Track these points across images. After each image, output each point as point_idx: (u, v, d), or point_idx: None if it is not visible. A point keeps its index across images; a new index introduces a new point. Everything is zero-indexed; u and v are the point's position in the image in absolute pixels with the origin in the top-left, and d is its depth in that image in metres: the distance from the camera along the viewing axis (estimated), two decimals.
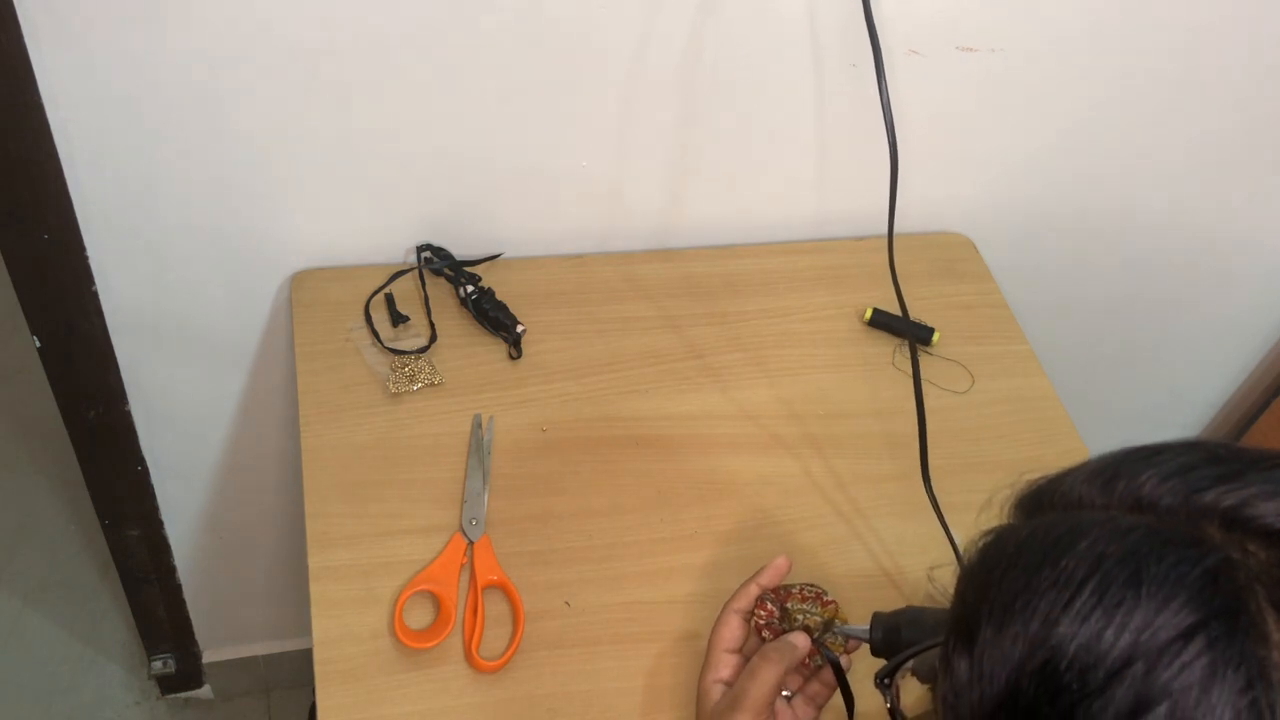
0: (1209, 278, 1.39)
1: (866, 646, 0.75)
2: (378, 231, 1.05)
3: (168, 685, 1.55)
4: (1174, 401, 1.60)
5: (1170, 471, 0.46)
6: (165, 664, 1.49)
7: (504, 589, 0.86)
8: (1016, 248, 1.24)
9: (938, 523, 0.93)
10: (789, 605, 0.79)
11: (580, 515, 0.92)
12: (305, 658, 0.86)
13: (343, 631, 0.83)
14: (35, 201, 0.92)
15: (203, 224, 1.00)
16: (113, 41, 0.85)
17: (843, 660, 0.77)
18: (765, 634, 0.79)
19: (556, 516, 0.91)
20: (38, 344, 1.02)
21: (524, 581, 0.87)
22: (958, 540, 0.93)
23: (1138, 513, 0.46)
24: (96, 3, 0.83)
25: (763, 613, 0.79)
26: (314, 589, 0.84)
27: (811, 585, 0.81)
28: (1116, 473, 0.47)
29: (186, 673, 1.52)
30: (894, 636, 0.73)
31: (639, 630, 0.86)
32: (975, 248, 1.20)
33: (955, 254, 1.19)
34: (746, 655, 0.78)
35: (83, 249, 0.97)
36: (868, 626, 0.75)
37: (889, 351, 1.08)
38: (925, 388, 1.05)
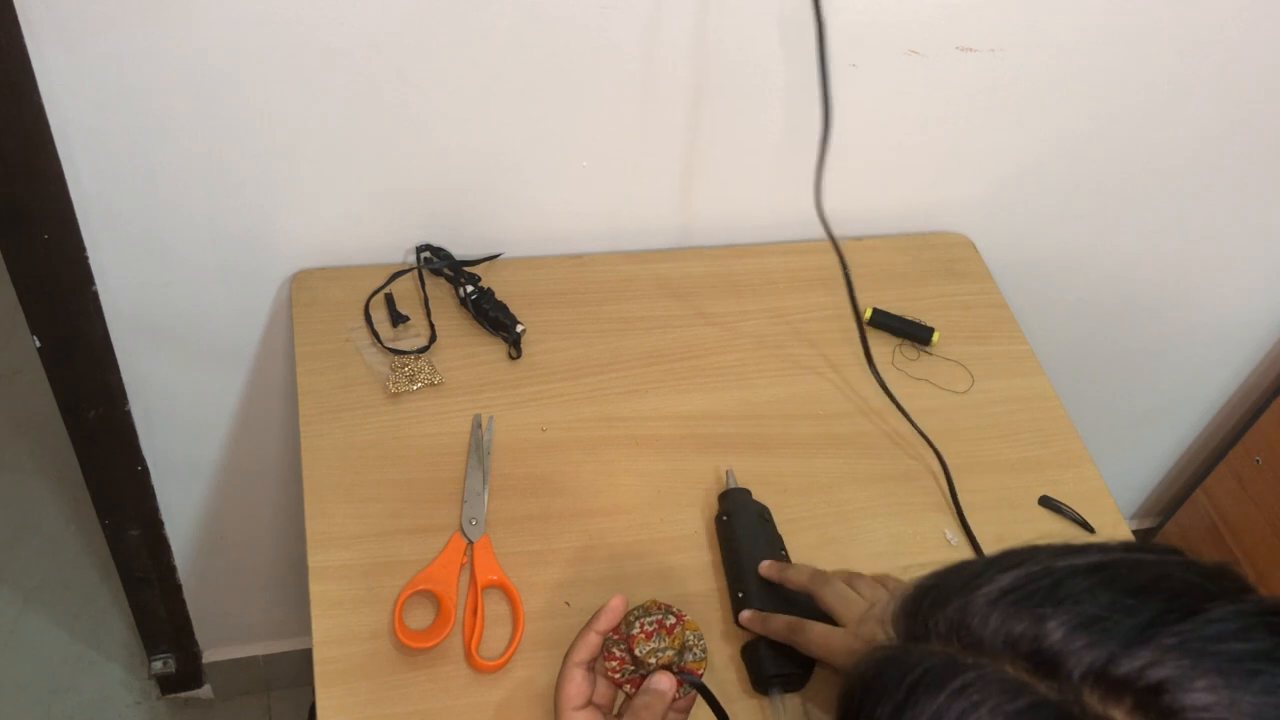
0: (1209, 277, 1.39)
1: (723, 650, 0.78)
2: (378, 231, 1.05)
3: (168, 685, 1.55)
4: (1174, 402, 1.61)
5: (1080, 621, 0.40)
6: (165, 664, 1.49)
7: (504, 589, 0.86)
8: (1016, 248, 1.24)
9: (937, 522, 0.93)
10: (637, 651, 0.74)
11: (580, 515, 0.92)
12: (305, 658, 0.86)
13: (343, 631, 0.83)
14: (35, 201, 0.92)
15: (203, 224, 1.00)
16: (113, 41, 0.85)
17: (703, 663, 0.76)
18: (627, 688, 0.75)
19: (556, 516, 0.91)
20: (38, 344, 1.02)
21: (524, 581, 0.87)
22: (950, 539, 0.93)
23: (1036, 676, 0.40)
24: (96, 2, 0.83)
25: (614, 663, 0.75)
26: (314, 589, 0.84)
27: (649, 614, 0.77)
28: (1017, 610, 0.41)
29: (186, 673, 1.52)
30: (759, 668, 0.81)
31: None
32: (975, 248, 1.20)
33: (955, 254, 1.19)
34: (599, 704, 0.74)
35: (83, 249, 0.97)
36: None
37: (889, 351, 1.08)
38: (925, 388, 1.05)
